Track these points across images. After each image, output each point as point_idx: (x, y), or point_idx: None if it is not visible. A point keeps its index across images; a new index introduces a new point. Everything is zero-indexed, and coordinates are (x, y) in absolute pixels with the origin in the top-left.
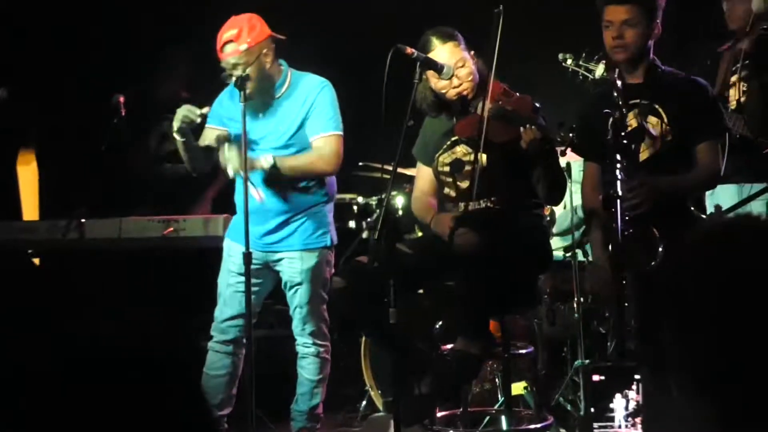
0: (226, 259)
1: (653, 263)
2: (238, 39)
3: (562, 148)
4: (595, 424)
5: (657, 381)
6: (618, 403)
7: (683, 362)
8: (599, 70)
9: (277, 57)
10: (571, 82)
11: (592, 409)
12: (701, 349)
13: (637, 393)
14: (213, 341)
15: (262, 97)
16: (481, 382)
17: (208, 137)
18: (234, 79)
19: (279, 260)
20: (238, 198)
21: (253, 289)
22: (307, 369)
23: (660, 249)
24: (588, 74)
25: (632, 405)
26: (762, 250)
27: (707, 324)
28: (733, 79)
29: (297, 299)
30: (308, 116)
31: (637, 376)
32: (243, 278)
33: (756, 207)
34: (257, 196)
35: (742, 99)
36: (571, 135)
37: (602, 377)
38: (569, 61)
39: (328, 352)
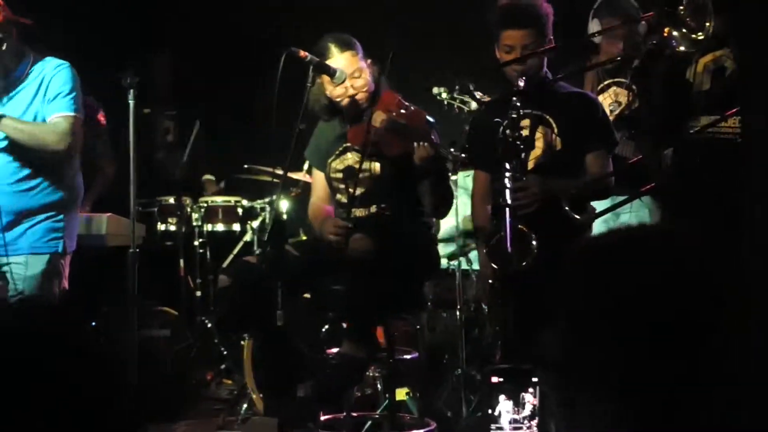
0: None
1: (526, 262)
2: None
3: (453, 167)
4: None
5: (549, 381)
6: (504, 406)
7: (581, 377)
8: (474, 103)
9: (21, 44)
10: (448, 114)
11: (490, 412)
12: (598, 364)
13: (534, 396)
14: None
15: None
16: (362, 387)
17: None
18: None
19: (6, 265)
20: None
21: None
22: None
23: (533, 246)
24: (463, 106)
25: (528, 408)
26: (651, 261)
27: (602, 338)
28: (601, 97)
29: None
30: (44, 98)
31: (535, 379)
32: None
33: (624, 219)
34: None
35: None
36: (463, 155)
37: (501, 379)
38: (444, 95)
39: None
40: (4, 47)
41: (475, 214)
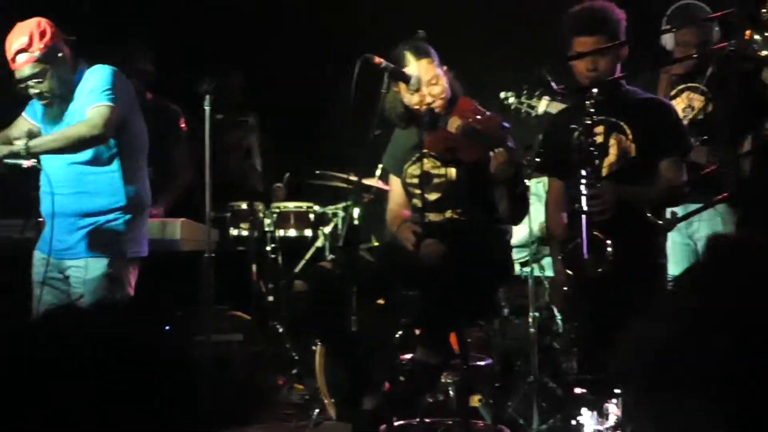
0: (33, 270)
1: (601, 269)
2: (30, 47)
3: (528, 172)
4: None
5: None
6: (587, 417)
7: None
8: (542, 106)
9: (75, 58)
10: (515, 119)
11: (573, 422)
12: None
13: (618, 407)
14: None
15: (60, 105)
16: (435, 393)
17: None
18: (36, 93)
19: (68, 268)
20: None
21: (55, 300)
22: None
23: (608, 253)
24: (531, 110)
25: (612, 419)
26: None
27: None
28: (674, 102)
29: None
30: (83, 98)
31: (617, 390)
32: (45, 288)
33: (695, 227)
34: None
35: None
36: (537, 159)
37: (584, 390)
38: (511, 99)
39: None
40: (64, 70)
41: (549, 221)
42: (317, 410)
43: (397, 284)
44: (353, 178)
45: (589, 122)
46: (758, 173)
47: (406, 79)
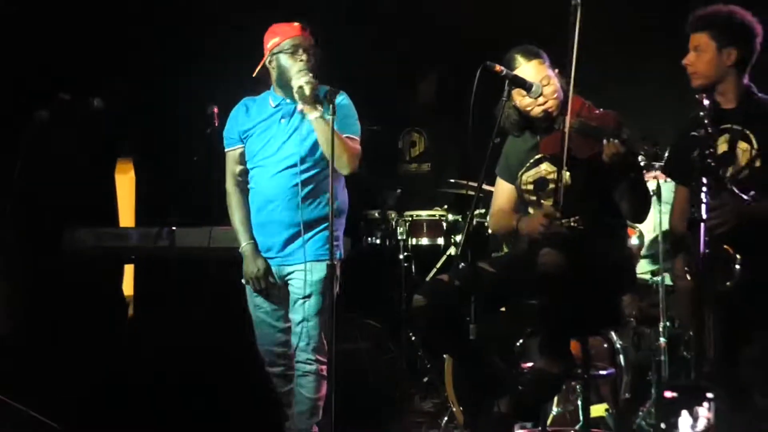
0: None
1: (729, 283)
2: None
3: (646, 162)
4: None
5: (732, 400)
6: (684, 421)
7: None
8: None
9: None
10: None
11: (663, 425)
12: None
13: (708, 411)
14: (266, 365)
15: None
16: (564, 402)
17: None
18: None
19: (290, 273)
20: (255, 209)
21: (277, 306)
22: (308, 387)
23: (737, 268)
24: None
25: (702, 423)
26: None
27: None
28: None
29: (306, 311)
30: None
31: (709, 395)
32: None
33: None
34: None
35: None
36: (655, 148)
37: (674, 394)
38: None
39: (326, 370)
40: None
41: (673, 227)
42: (446, 418)
43: (518, 293)
44: (486, 188)
45: (711, 130)
46: None
47: (527, 86)
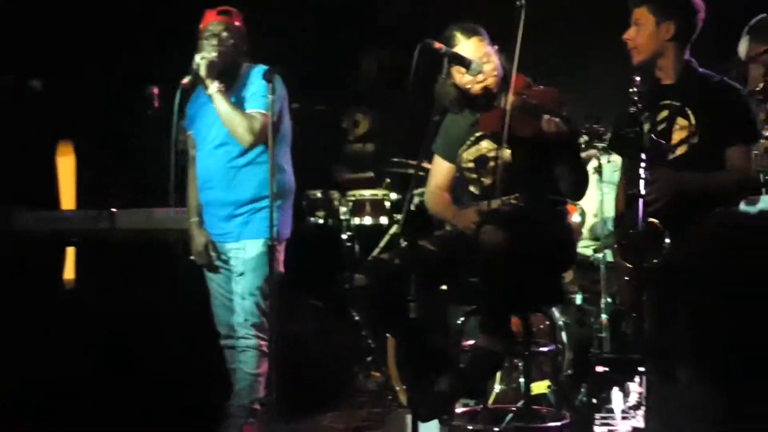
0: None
1: (656, 260)
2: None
3: (588, 139)
4: (596, 416)
5: (663, 372)
6: (616, 396)
7: (695, 351)
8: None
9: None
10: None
11: (594, 401)
12: (714, 339)
13: (640, 385)
14: (220, 339)
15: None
16: (507, 380)
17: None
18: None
19: (229, 251)
20: (201, 191)
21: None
22: (248, 363)
23: (666, 243)
24: None
25: (634, 398)
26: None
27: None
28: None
29: (240, 289)
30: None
31: (641, 369)
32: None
33: None
34: None
35: None
36: (597, 126)
37: (605, 368)
38: None
39: (267, 346)
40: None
41: (618, 199)
42: (389, 397)
43: (459, 271)
44: (425, 165)
45: (652, 107)
46: None
47: (467, 63)
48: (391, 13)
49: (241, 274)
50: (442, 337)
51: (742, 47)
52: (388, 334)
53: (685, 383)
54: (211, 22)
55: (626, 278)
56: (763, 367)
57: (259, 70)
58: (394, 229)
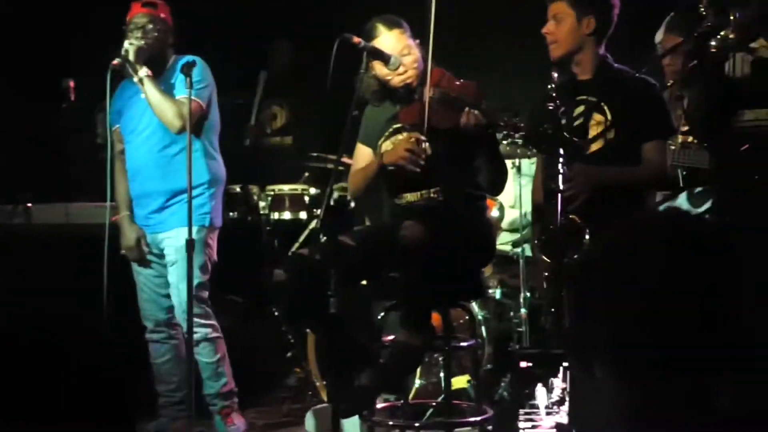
0: None
1: (577, 255)
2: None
3: (506, 133)
4: (521, 411)
5: (585, 368)
6: (540, 392)
7: (613, 347)
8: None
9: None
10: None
11: (517, 396)
12: (631, 334)
13: (563, 381)
14: (146, 332)
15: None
16: (427, 375)
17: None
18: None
19: (162, 241)
20: (132, 183)
21: (161, 273)
22: (204, 353)
23: (586, 239)
24: None
25: (557, 393)
26: (685, 241)
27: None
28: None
29: (173, 277)
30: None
31: (564, 364)
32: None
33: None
34: None
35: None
36: (515, 119)
37: (529, 364)
38: None
39: (217, 330)
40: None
41: (534, 194)
42: (310, 393)
43: (379, 266)
44: (345, 160)
45: (569, 102)
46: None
47: (386, 58)
48: (311, 5)
49: (175, 262)
50: (363, 333)
51: (659, 40)
52: (308, 330)
53: (604, 379)
54: (136, 15)
55: (546, 273)
56: (679, 363)
57: (188, 58)
58: (313, 224)
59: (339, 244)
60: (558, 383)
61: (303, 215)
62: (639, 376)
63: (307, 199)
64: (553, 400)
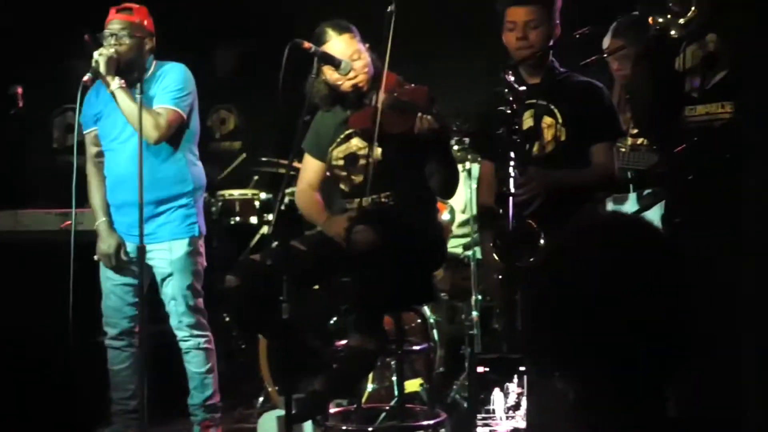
0: None
1: (533, 258)
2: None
3: (458, 138)
4: (478, 416)
5: (540, 371)
6: (497, 396)
7: (561, 349)
8: None
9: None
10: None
11: (473, 400)
12: (583, 336)
13: (519, 386)
14: (107, 337)
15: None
16: (379, 379)
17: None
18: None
19: (148, 252)
20: (111, 190)
21: (130, 281)
22: (193, 362)
23: (541, 243)
24: None
25: (513, 398)
26: (628, 243)
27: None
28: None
29: (170, 291)
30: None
31: (522, 369)
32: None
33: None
34: None
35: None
36: (467, 124)
37: (486, 368)
38: None
39: (211, 341)
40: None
41: (480, 198)
42: (261, 399)
43: (331, 271)
44: (296, 164)
45: (519, 106)
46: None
47: (337, 63)
48: (262, 9)
49: (170, 275)
50: (315, 338)
51: (605, 46)
52: (260, 335)
53: (559, 381)
54: (111, 21)
55: (499, 277)
56: (628, 366)
57: (171, 66)
58: (264, 229)
59: (291, 249)
60: (514, 388)
61: (254, 220)
62: (591, 380)
63: (257, 204)
64: (509, 405)
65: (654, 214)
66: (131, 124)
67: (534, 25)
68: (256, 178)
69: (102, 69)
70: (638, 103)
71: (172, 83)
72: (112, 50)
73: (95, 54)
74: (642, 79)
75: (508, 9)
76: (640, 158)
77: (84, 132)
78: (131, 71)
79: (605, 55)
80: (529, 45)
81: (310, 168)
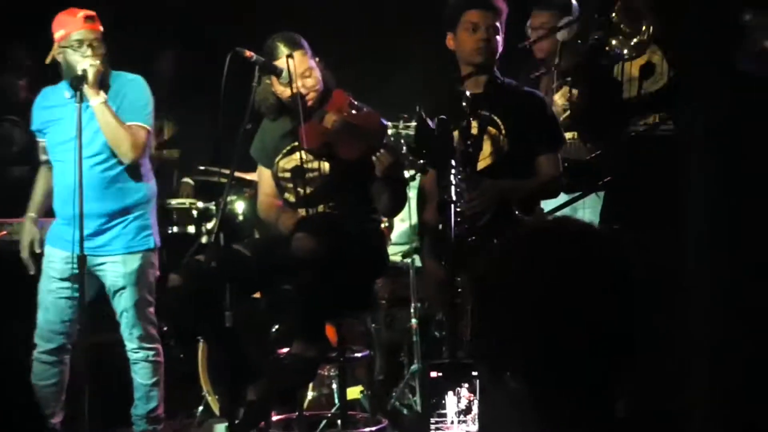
0: (47, 265)
1: (479, 267)
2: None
3: (412, 173)
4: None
5: (490, 375)
6: (450, 401)
7: (513, 353)
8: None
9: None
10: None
11: (423, 406)
12: (526, 342)
13: (470, 391)
14: (37, 351)
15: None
16: (318, 386)
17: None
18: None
19: (101, 264)
20: (60, 201)
21: (74, 294)
22: (140, 374)
23: (487, 252)
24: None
25: (464, 402)
26: (572, 249)
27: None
28: (555, 97)
29: (122, 303)
30: (122, 108)
31: (473, 374)
32: (65, 284)
33: (580, 215)
34: None
35: (565, 114)
36: (421, 162)
37: (439, 374)
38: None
39: (160, 354)
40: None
41: (424, 218)
42: (201, 407)
43: (274, 278)
44: (238, 174)
45: (465, 116)
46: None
47: (278, 72)
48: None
49: (123, 288)
50: (257, 345)
51: (528, 24)
52: (200, 339)
53: (510, 381)
54: (79, 30)
55: (438, 284)
56: (574, 370)
57: (131, 80)
58: (204, 238)
59: (235, 253)
60: (464, 392)
61: (191, 229)
62: (540, 379)
63: (195, 212)
64: (461, 409)
65: (593, 215)
66: (110, 142)
67: (494, 32)
68: (185, 181)
69: (91, 80)
70: (577, 108)
71: (139, 100)
72: (98, 61)
73: (84, 63)
74: (581, 85)
75: (472, 11)
76: (570, 152)
77: (38, 140)
78: (102, 85)
79: (528, 30)
80: (491, 48)
81: (264, 178)
